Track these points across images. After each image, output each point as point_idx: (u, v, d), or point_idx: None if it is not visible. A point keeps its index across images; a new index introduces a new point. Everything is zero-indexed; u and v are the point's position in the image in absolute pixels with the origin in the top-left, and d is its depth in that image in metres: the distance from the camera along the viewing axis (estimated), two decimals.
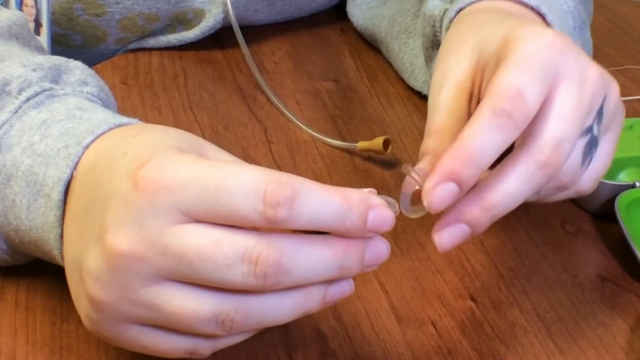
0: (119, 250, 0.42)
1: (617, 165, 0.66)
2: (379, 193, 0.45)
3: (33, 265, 0.54)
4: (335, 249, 0.43)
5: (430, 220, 0.52)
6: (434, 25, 0.67)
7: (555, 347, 0.55)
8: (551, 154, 0.48)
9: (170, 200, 0.41)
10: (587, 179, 0.53)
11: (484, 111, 0.47)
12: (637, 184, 0.66)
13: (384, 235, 0.44)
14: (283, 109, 0.77)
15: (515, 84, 0.47)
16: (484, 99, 0.48)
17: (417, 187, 0.49)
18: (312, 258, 0.42)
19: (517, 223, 0.65)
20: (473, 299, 0.58)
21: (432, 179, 0.47)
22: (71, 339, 0.52)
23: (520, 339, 0.55)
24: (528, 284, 0.60)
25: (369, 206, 0.43)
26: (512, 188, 0.48)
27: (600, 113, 0.51)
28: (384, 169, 0.71)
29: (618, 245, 0.63)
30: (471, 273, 0.60)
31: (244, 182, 0.41)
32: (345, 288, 0.45)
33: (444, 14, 0.67)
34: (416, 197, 0.49)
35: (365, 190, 0.44)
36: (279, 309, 0.43)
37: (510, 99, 0.47)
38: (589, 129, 0.51)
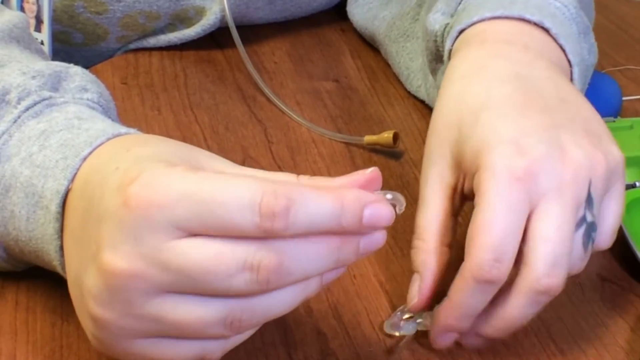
0: (116, 269, 0.42)
1: None
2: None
3: (33, 266, 0.54)
4: (331, 244, 0.43)
5: None
6: (435, 40, 0.67)
7: (556, 347, 0.55)
8: (548, 278, 0.49)
9: (164, 216, 0.41)
10: (605, 234, 0.53)
11: (467, 279, 0.49)
12: (637, 184, 0.66)
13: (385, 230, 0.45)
14: (284, 108, 0.77)
15: (492, 251, 0.48)
16: (466, 264, 0.49)
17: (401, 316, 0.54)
18: (311, 256, 0.43)
19: None
20: None
21: (435, 330, 0.52)
22: (71, 338, 0.52)
23: (520, 339, 0.55)
24: None
25: (363, 204, 0.43)
26: (516, 314, 0.50)
27: (589, 199, 0.50)
28: (384, 169, 0.71)
29: (618, 245, 0.63)
30: None
31: (239, 195, 0.41)
32: (339, 271, 0.45)
33: (444, 28, 0.66)
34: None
35: (368, 170, 0.45)
36: (283, 301, 0.44)
37: (489, 266, 0.48)
38: (582, 219, 0.50)
